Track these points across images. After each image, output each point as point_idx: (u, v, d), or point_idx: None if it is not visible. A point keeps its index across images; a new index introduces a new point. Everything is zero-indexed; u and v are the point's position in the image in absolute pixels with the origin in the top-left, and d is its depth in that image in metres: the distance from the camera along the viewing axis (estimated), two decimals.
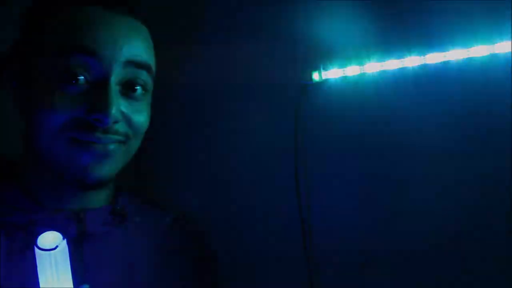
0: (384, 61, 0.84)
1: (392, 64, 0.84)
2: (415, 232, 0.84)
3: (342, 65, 0.87)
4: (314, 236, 0.90)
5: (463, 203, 0.81)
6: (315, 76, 0.88)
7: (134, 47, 0.71)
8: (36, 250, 0.61)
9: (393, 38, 0.84)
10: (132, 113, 0.72)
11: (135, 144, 0.75)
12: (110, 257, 0.74)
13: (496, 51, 0.78)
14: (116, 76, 0.69)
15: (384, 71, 0.85)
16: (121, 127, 0.71)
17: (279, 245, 0.92)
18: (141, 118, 0.74)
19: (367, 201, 0.87)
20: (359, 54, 0.86)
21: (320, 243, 0.90)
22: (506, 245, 0.79)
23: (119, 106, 0.70)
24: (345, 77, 0.87)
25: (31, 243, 0.62)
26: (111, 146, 0.71)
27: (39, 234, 0.62)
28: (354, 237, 0.88)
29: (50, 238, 0.61)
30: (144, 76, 0.73)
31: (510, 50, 0.77)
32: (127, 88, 0.72)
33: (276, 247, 0.92)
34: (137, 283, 0.75)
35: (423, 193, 0.84)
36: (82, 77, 0.68)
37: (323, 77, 0.88)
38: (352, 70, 0.86)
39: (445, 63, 0.81)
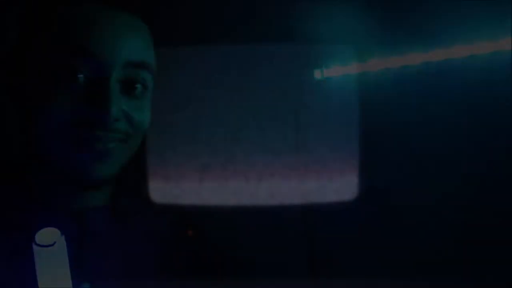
0: (387, 58, 0.84)
1: (395, 61, 0.84)
2: (415, 231, 0.84)
3: (344, 63, 0.87)
4: (315, 236, 0.89)
5: (464, 201, 0.81)
6: (317, 74, 0.88)
7: (134, 46, 0.71)
8: (34, 246, 0.60)
9: (395, 36, 0.84)
10: (132, 111, 0.71)
11: (136, 142, 0.74)
12: (111, 256, 0.74)
13: (499, 48, 0.78)
14: (115, 75, 0.69)
15: (386, 69, 0.85)
16: (121, 125, 0.70)
17: (279, 245, 0.92)
18: (142, 116, 0.73)
19: (368, 199, 0.87)
20: (361, 52, 0.85)
21: (322, 243, 0.89)
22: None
23: (119, 104, 0.69)
24: (347, 75, 0.87)
25: (30, 242, 0.62)
26: (112, 145, 0.70)
27: None
28: (354, 235, 0.87)
29: (48, 235, 0.60)
30: (144, 74, 0.72)
31: None
32: (127, 86, 0.71)
33: (276, 248, 0.92)
34: (137, 282, 0.75)
35: (423, 192, 0.84)
36: (82, 76, 0.68)
37: (325, 75, 0.88)
38: (354, 68, 0.86)
39: (448, 60, 0.81)
